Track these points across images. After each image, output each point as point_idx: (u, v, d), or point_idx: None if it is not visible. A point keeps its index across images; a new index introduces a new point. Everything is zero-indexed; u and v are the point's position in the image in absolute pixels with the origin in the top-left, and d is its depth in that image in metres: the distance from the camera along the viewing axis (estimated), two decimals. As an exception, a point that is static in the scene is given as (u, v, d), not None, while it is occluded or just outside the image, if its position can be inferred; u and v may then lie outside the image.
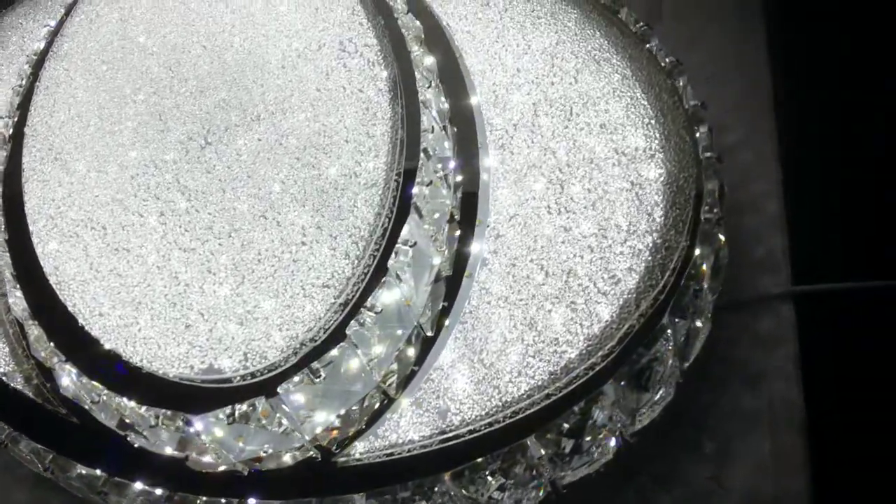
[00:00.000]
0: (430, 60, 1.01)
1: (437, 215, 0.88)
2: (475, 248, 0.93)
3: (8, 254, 0.98)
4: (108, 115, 1.11)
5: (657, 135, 0.88)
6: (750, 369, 0.91)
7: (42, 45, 1.33)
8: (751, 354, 0.92)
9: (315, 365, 0.74)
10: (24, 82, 1.26)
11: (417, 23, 1.07)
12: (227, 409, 0.73)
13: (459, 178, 0.95)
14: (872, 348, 0.94)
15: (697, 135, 0.87)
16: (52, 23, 1.36)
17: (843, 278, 0.96)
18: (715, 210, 0.81)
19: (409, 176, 0.90)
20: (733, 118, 1.09)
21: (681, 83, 0.92)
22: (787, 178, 1.01)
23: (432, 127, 0.90)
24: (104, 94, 1.15)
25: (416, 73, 0.99)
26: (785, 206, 1.00)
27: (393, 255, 0.81)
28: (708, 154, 0.85)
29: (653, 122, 0.90)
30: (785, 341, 0.92)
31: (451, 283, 0.90)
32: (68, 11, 1.36)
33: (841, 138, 1.05)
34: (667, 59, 0.94)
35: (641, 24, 0.99)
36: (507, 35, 1.05)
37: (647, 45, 0.96)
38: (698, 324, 0.79)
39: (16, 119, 1.19)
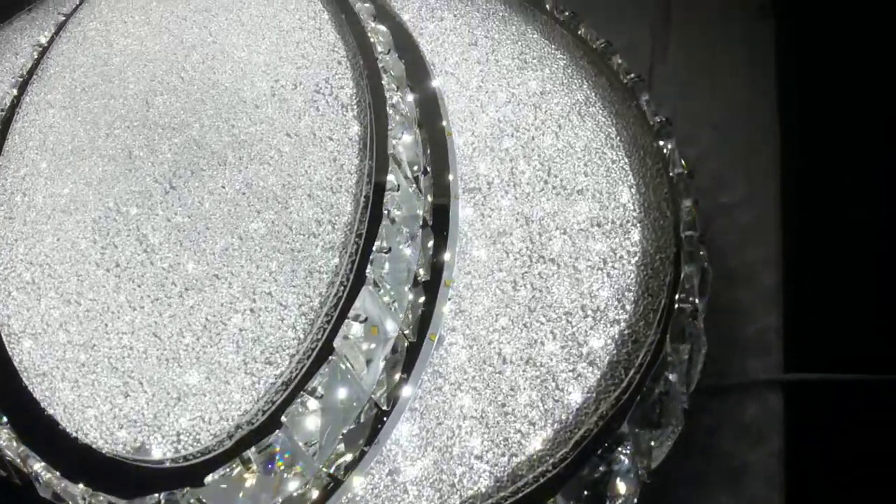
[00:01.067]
0: (408, 106, 0.95)
1: (398, 280, 0.82)
2: (439, 310, 0.87)
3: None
4: (80, 149, 1.08)
5: (635, 206, 0.81)
6: (731, 464, 0.84)
7: (29, 64, 1.30)
8: (733, 447, 0.84)
9: (247, 454, 0.69)
10: (6, 105, 1.23)
11: (400, 63, 1.01)
12: (154, 498, 0.69)
13: (428, 239, 0.88)
14: (864, 449, 0.85)
15: (681, 208, 0.79)
16: (44, 40, 1.34)
17: (839, 367, 0.88)
18: (692, 299, 0.74)
19: (370, 238, 0.84)
20: (735, 173, 1.01)
21: (669, 146, 0.84)
22: (788, 247, 0.92)
23: (398, 185, 0.84)
24: (79, 126, 1.11)
25: (390, 122, 0.93)
26: (783, 280, 0.91)
27: (342, 330, 0.76)
28: (689, 232, 0.78)
29: (632, 190, 0.83)
30: (770, 434, 0.84)
31: (411, 352, 0.85)
32: (58, 30, 1.33)
33: (853, 207, 0.96)
34: (656, 119, 0.87)
35: (634, 75, 0.91)
36: (493, 80, 0.98)
37: (637, 101, 0.89)
38: (666, 429, 0.72)
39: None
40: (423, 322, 0.86)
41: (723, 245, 0.84)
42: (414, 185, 0.91)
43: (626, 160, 0.84)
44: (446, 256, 0.88)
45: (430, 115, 0.97)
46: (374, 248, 0.80)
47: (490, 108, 0.95)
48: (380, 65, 0.99)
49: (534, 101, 0.93)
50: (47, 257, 0.96)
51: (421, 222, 0.89)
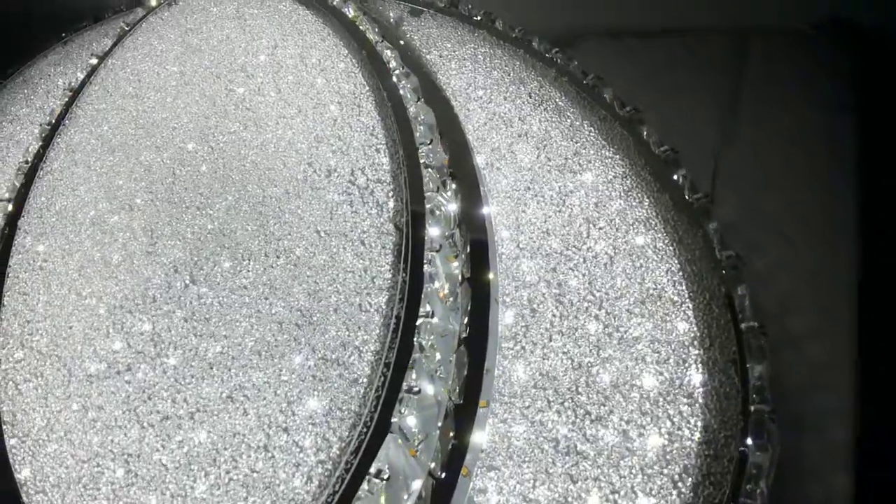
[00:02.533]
0: (449, 209, 0.87)
1: (428, 422, 0.75)
2: (476, 439, 0.79)
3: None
4: (101, 220, 1.02)
5: (698, 367, 0.72)
6: None
7: (58, 109, 1.25)
8: None
9: None
10: (30, 158, 1.18)
11: (443, 154, 0.93)
12: None
13: (463, 356, 0.81)
14: None
15: (751, 372, 0.70)
16: (75, 83, 1.29)
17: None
18: (761, 485, 0.65)
19: (399, 369, 0.76)
20: (806, 295, 0.91)
21: (740, 291, 0.75)
22: (863, 397, 0.82)
23: (432, 311, 0.76)
24: (102, 192, 1.05)
25: (428, 226, 0.85)
26: (856, 437, 0.81)
27: (364, 483, 0.69)
28: (761, 406, 0.68)
29: (696, 346, 0.74)
30: None
31: (443, 487, 0.77)
32: (90, 74, 1.27)
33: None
34: (726, 254, 0.77)
35: (701, 195, 0.82)
36: (542, 180, 0.90)
37: (704, 229, 0.79)
38: None
39: (11, 206, 1.11)
40: (456, 454, 0.78)
41: (789, 384, 0.75)
42: (451, 300, 0.84)
43: (690, 305, 0.75)
44: (483, 382, 0.80)
45: (472, 218, 0.89)
46: (403, 387, 0.73)
47: (537, 212, 0.87)
48: (421, 158, 0.91)
49: (586, 213, 0.85)
50: (58, 346, 0.90)
51: (456, 343, 0.82)
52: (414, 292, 0.80)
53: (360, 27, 1.12)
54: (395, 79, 1.02)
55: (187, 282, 0.90)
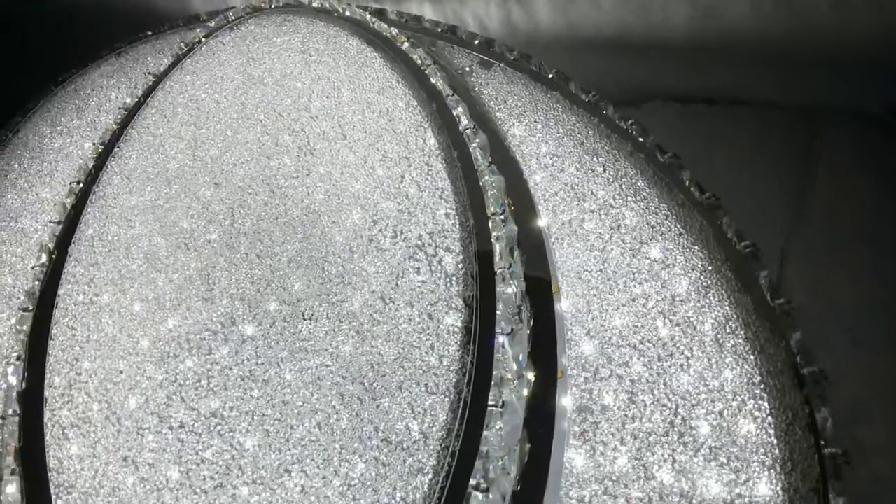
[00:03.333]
0: (519, 288, 0.85)
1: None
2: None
3: (18, 425, 0.88)
4: (155, 256, 1.00)
5: (779, 499, 0.70)
6: None
7: (113, 127, 1.23)
8: None
9: None
10: (82, 176, 1.16)
11: (514, 227, 0.91)
12: None
13: (526, 452, 0.78)
14: None
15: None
16: (130, 101, 1.27)
17: None
18: None
19: (466, 460, 0.74)
20: (875, 404, 0.89)
21: (822, 414, 0.72)
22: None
23: (502, 401, 0.74)
24: (157, 226, 1.03)
25: (498, 305, 0.83)
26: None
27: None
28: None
29: (775, 471, 0.71)
30: None
31: None
32: (146, 94, 1.25)
33: None
34: (808, 370, 0.75)
35: (784, 300, 0.79)
36: (613, 264, 0.88)
37: (787, 340, 0.77)
38: None
39: (61, 229, 1.09)
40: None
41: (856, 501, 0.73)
42: (518, 385, 0.82)
43: (771, 422, 0.72)
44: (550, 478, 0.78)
45: (539, 298, 0.87)
46: (471, 484, 0.71)
47: (608, 297, 0.84)
48: (493, 230, 0.89)
49: (660, 306, 0.82)
50: (107, 392, 0.88)
51: (522, 432, 0.80)
52: (482, 375, 0.78)
53: (430, 76, 1.09)
54: (465, 137, 1.00)
55: (245, 336, 0.88)
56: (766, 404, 0.74)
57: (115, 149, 1.16)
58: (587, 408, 0.78)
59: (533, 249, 0.90)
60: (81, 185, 1.14)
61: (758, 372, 0.75)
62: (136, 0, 1.53)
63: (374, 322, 0.85)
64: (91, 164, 1.16)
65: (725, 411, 0.74)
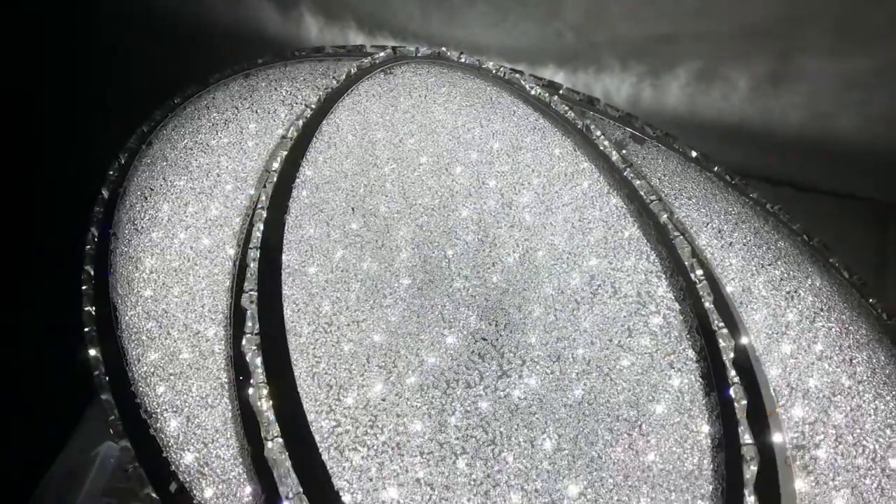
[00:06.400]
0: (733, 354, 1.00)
1: None
2: None
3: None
4: (368, 289, 1.06)
5: None
6: None
7: (281, 154, 1.23)
8: None
9: None
10: (265, 204, 1.17)
11: (710, 292, 1.06)
12: None
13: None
14: None
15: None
16: (291, 131, 1.27)
17: None
18: None
19: None
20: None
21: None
22: None
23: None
24: (369, 256, 1.09)
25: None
26: None
27: None
28: None
29: None
30: None
31: None
32: (311, 128, 1.27)
33: None
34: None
35: None
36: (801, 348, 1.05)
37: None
38: None
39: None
40: None
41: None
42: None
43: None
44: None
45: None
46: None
47: (804, 376, 1.01)
48: (704, 300, 1.04)
49: (843, 367, 1.01)
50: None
51: None
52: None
53: (598, 144, 1.23)
54: (651, 206, 1.15)
55: (478, 378, 0.98)
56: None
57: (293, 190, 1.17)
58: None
59: (731, 325, 1.06)
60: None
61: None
62: (243, 23, 1.56)
63: (620, 367, 0.98)
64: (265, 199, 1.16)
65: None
